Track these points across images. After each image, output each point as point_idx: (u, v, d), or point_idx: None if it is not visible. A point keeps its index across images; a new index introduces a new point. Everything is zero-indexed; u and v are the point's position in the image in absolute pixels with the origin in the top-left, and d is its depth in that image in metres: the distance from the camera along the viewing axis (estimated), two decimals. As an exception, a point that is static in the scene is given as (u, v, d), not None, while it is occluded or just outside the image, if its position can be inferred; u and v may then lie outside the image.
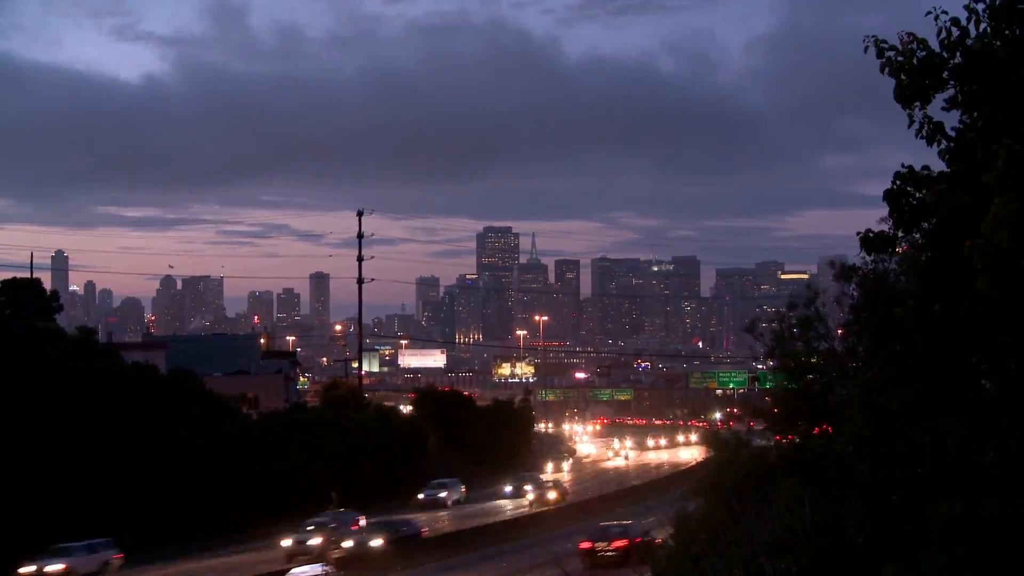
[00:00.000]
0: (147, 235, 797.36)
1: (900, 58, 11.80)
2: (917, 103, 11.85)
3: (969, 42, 11.52)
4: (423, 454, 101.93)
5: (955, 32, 11.59)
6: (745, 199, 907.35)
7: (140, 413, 69.38)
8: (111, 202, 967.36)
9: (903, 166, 12.69)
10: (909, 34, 11.85)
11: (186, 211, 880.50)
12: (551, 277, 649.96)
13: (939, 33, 11.66)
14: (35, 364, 64.64)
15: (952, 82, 11.81)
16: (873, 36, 12.03)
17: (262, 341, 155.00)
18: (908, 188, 12.54)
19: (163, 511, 66.44)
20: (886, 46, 11.87)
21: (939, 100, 12.13)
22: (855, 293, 26.23)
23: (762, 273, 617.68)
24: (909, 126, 12.01)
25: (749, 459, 27.97)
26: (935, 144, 12.16)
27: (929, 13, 11.59)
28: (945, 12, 11.52)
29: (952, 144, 12.14)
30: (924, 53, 11.69)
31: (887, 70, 11.84)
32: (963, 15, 11.73)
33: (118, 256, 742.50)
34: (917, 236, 18.82)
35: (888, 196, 12.73)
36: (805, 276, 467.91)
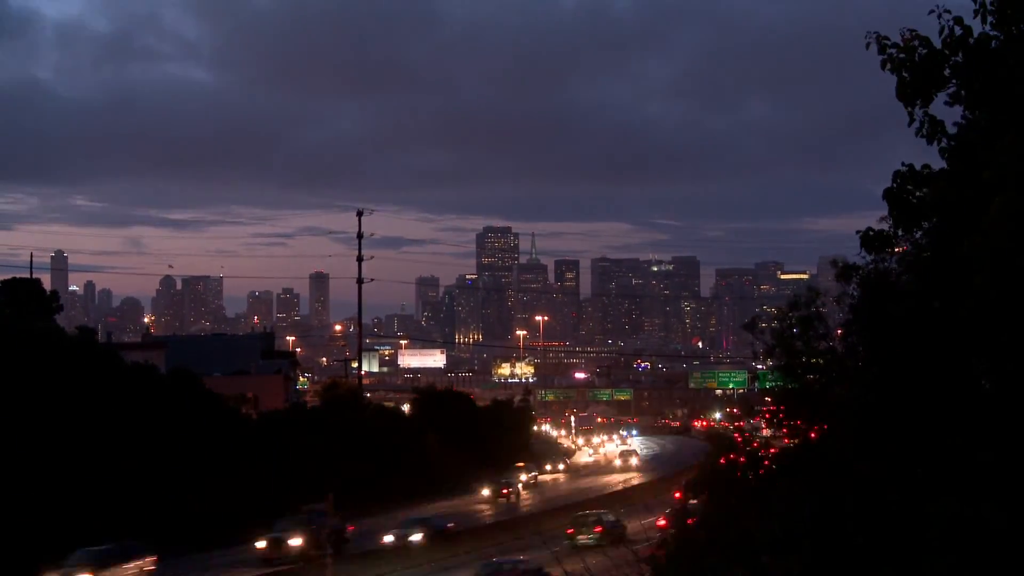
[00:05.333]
0: (177, 235, 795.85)
1: (901, 55, 11.76)
2: (918, 101, 11.80)
3: (971, 41, 11.46)
4: (422, 454, 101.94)
5: (958, 30, 11.55)
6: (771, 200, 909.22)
7: (139, 413, 69.27)
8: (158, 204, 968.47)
9: (903, 164, 12.64)
10: (911, 31, 11.80)
11: (226, 212, 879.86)
12: (551, 277, 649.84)
13: (941, 31, 11.62)
14: (33, 364, 64.47)
15: (954, 80, 11.76)
16: (875, 32, 11.99)
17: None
18: (908, 187, 12.50)
19: (162, 512, 66.26)
20: (888, 43, 11.83)
21: (940, 97, 12.07)
22: (855, 292, 26.11)
23: (761, 273, 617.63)
24: (909, 124, 11.96)
25: (753, 453, 27.86)
26: (935, 142, 12.11)
27: (932, 12, 11.55)
28: (948, 11, 11.48)
29: (952, 142, 12.09)
30: (926, 50, 11.64)
31: (888, 67, 11.79)
32: (966, 13, 11.69)
33: (134, 258, 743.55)
34: (918, 236, 18.78)
35: (888, 195, 12.69)
36: (804, 276, 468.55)
